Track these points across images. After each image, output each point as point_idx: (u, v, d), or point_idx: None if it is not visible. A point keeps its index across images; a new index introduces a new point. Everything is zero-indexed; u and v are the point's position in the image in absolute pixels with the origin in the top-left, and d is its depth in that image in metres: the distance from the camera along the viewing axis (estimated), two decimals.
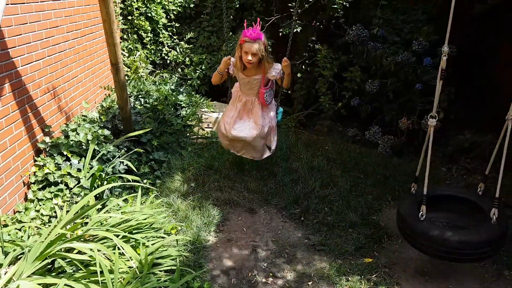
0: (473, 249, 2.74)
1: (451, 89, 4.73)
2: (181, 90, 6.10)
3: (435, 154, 4.75)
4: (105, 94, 5.53)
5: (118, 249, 2.55)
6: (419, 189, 3.16)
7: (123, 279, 2.45)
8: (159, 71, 6.61)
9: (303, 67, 5.67)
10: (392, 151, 4.98)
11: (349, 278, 3.02)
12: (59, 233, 2.48)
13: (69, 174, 3.57)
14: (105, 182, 3.51)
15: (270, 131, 3.77)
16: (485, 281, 3.05)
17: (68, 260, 2.52)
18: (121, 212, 3.18)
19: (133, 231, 2.94)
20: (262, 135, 3.71)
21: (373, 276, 3.05)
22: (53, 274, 2.46)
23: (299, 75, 5.71)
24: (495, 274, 3.11)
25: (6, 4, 3.21)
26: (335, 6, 5.06)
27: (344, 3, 5.03)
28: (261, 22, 3.45)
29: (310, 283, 3.00)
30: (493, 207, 2.81)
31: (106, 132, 4.08)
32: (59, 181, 3.53)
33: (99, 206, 3.19)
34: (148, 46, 6.53)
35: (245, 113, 3.79)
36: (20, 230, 3.09)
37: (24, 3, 3.52)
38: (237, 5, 6.20)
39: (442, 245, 2.75)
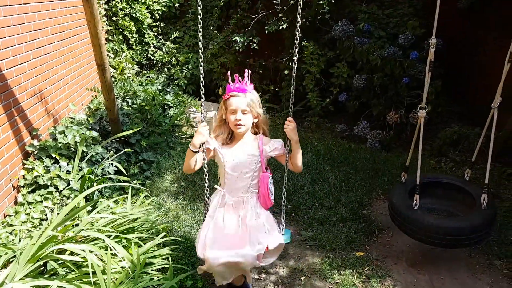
0: (467, 234, 2.80)
1: (438, 82, 4.79)
2: (168, 90, 6.10)
3: (423, 147, 4.79)
4: (92, 96, 5.50)
5: (110, 249, 2.54)
6: (409, 177, 3.22)
7: (116, 279, 2.45)
8: (146, 72, 6.60)
9: (290, 64, 5.70)
10: (380, 146, 5.03)
11: (341, 272, 3.05)
12: (50, 235, 2.46)
13: (58, 176, 3.55)
14: (95, 184, 3.49)
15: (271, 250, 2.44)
16: (476, 271, 3.09)
17: (60, 262, 2.51)
18: (112, 213, 3.17)
19: (125, 232, 2.93)
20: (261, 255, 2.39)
21: (365, 269, 3.08)
22: (46, 276, 2.45)
23: (286, 72, 5.74)
24: (486, 264, 3.16)
25: None
26: (321, 2, 5.09)
27: None
28: (250, 73, 2.42)
29: (302, 278, 3.02)
30: (483, 193, 2.88)
31: (94, 133, 4.06)
32: (49, 184, 3.51)
33: (89, 208, 3.18)
34: (134, 46, 6.51)
35: (233, 222, 2.46)
36: (11, 233, 3.06)
37: (6, 6, 3.48)
38: (222, 3, 6.21)
39: (436, 232, 2.81)
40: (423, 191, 3.04)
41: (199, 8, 2.25)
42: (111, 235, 2.79)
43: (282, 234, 2.58)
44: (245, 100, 2.37)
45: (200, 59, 2.34)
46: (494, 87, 2.79)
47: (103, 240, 2.57)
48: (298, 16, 2.29)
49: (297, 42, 2.30)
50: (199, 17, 2.24)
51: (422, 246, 3.22)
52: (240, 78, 2.41)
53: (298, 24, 2.29)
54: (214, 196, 2.57)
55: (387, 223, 3.58)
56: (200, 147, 2.35)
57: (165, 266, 2.77)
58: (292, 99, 2.40)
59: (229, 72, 2.46)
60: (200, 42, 2.31)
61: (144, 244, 2.87)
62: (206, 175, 2.46)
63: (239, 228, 2.43)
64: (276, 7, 5.54)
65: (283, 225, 2.63)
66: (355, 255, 3.24)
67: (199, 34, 2.30)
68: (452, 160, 4.72)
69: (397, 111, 4.91)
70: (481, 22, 4.97)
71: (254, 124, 2.49)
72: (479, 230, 2.80)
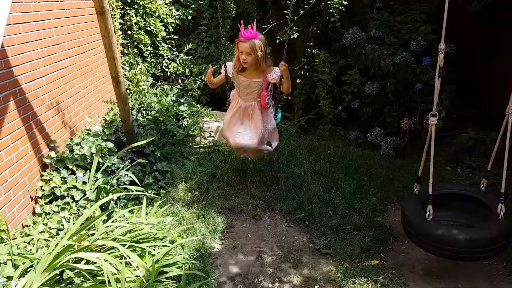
0: (483, 246, 2.71)
1: (452, 88, 4.74)
2: (182, 101, 6.18)
3: (439, 153, 4.75)
4: (108, 108, 5.60)
5: (125, 258, 2.58)
6: (422, 189, 3.15)
7: None
8: (160, 83, 6.69)
9: (302, 72, 5.72)
10: (395, 153, 4.98)
11: (356, 281, 3.02)
12: (66, 244, 2.51)
13: (75, 187, 3.62)
14: (110, 194, 3.55)
15: (271, 132, 3.87)
16: (495, 279, 3.03)
17: (76, 270, 2.56)
18: (127, 222, 3.21)
19: (139, 241, 2.96)
20: (263, 139, 3.79)
21: (380, 277, 3.05)
22: (62, 285, 2.49)
23: (298, 80, 5.76)
24: (505, 271, 3.10)
25: (8, 24, 3.29)
26: (331, 10, 5.11)
27: (340, 7, 5.08)
28: (256, 22, 3.51)
29: (316, 286, 3.00)
30: (499, 202, 2.79)
31: (110, 144, 4.13)
32: (66, 195, 3.58)
33: (104, 217, 3.23)
34: (148, 59, 6.62)
35: (246, 118, 3.82)
36: (29, 243, 3.13)
37: (25, 23, 3.60)
38: (234, 15, 6.28)
39: (450, 244, 2.72)
40: (437, 203, 2.96)
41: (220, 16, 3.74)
42: (126, 244, 2.83)
43: (275, 118, 3.92)
44: (248, 45, 3.43)
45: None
46: (509, 92, 2.74)
47: (118, 249, 2.60)
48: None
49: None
50: (221, 28, 3.85)
51: None
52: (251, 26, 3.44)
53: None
54: (233, 98, 3.88)
55: (402, 230, 3.54)
56: (209, 80, 3.83)
57: (179, 274, 2.79)
58: (285, 54, 3.55)
59: (242, 21, 3.53)
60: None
61: (158, 253, 2.90)
62: (228, 85, 3.90)
63: (249, 121, 3.80)
64: (287, 17, 5.57)
65: (274, 106, 3.92)
66: (370, 263, 3.21)
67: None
68: (469, 166, 4.64)
69: (411, 118, 4.86)
70: (493, 26, 4.92)
71: (259, 60, 3.51)
72: (497, 242, 2.70)
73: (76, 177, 3.72)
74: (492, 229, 2.74)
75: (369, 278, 3.04)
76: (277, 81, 3.66)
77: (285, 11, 5.44)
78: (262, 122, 3.77)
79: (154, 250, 2.94)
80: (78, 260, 2.60)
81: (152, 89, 6.45)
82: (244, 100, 3.77)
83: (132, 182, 3.93)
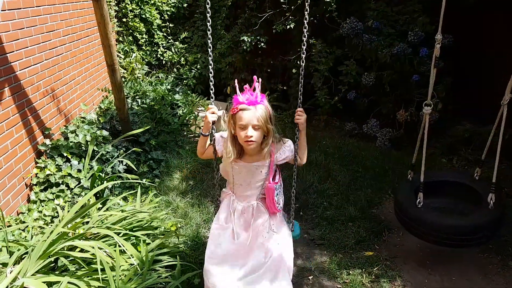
0: (471, 233, 2.76)
1: (449, 80, 4.73)
2: (177, 89, 6.15)
3: (435, 145, 4.76)
4: (103, 96, 5.56)
5: (119, 246, 2.58)
6: (415, 176, 3.19)
7: (124, 276, 2.48)
8: (155, 72, 6.65)
9: (298, 62, 5.69)
10: (390, 144, 4.99)
11: (350, 272, 3.03)
12: (61, 232, 2.50)
13: (69, 175, 3.61)
14: (105, 182, 3.54)
15: (281, 258, 2.38)
16: (489, 272, 3.05)
17: (70, 258, 2.55)
18: (121, 211, 3.20)
19: (134, 229, 2.96)
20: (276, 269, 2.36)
21: (375, 269, 3.06)
22: (57, 272, 2.49)
23: (293, 71, 5.74)
24: (499, 264, 3.11)
25: (3, 10, 3.24)
26: (328, 0, 5.07)
27: None
28: (260, 80, 2.19)
29: (310, 277, 3.01)
30: (490, 192, 2.83)
31: (105, 133, 4.11)
32: (60, 182, 3.56)
33: (99, 205, 3.22)
34: (144, 47, 6.57)
35: (243, 231, 2.41)
36: (23, 230, 3.12)
37: (20, 9, 3.54)
38: (230, 3, 6.23)
39: (439, 230, 2.78)
40: (431, 190, 3.00)
41: (207, 6, 2.22)
42: (120, 233, 2.83)
43: (292, 231, 2.58)
44: (256, 114, 2.13)
45: (210, 58, 2.30)
46: (506, 84, 2.75)
47: (112, 237, 2.60)
48: (306, 13, 2.19)
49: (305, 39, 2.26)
50: (208, 15, 2.22)
51: (432, 246, 3.18)
52: (249, 86, 2.16)
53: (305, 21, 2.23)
54: (224, 198, 2.55)
55: (397, 222, 3.55)
56: (211, 130, 2.33)
57: (173, 263, 2.79)
58: (301, 90, 2.29)
59: (236, 81, 2.26)
60: (209, 41, 2.26)
61: (153, 241, 2.90)
62: (216, 170, 2.50)
63: (248, 240, 2.37)
64: (283, 6, 5.54)
65: (292, 222, 2.60)
66: (364, 254, 3.22)
67: (208, 32, 2.26)
68: (465, 158, 4.65)
69: (407, 109, 4.86)
70: (491, 17, 4.90)
71: (270, 135, 2.26)
72: (484, 230, 2.75)
73: (71, 165, 3.70)
74: (480, 217, 2.79)
75: (364, 270, 3.05)
76: (291, 159, 2.42)
77: (281, 0, 5.40)
78: (271, 237, 2.40)
79: (148, 238, 2.94)
80: (72, 248, 2.60)
81: (147, 78, 6.41)
82: (240, 199, 2.43)
83: (127, 171, 3.92)
